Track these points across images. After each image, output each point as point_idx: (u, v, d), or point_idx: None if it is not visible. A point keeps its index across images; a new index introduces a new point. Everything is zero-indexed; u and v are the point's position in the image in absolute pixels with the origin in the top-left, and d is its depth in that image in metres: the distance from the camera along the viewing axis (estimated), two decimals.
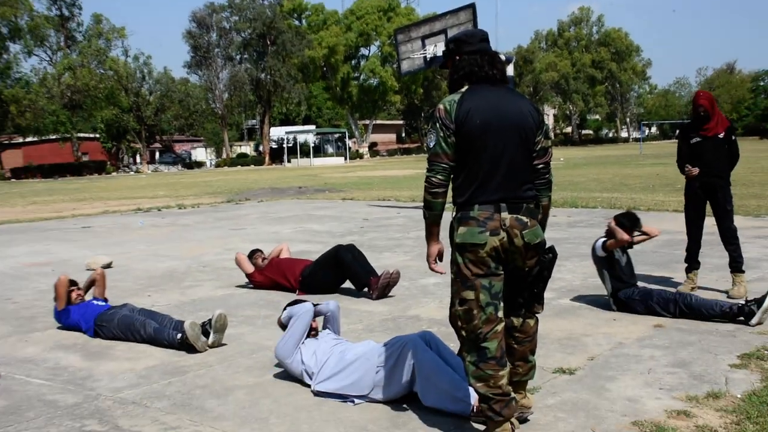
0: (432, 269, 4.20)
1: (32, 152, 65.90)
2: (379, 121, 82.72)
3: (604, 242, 7.00)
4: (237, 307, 7.73)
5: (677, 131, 8.76)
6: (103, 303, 7.16)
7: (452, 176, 3.95)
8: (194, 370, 5.69)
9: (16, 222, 18.66)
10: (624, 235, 6.85)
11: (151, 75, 70.59)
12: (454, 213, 4.00)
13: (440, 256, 4.18)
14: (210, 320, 6.27)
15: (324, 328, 5.55)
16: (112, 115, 67.77)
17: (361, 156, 73.47)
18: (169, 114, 70.65)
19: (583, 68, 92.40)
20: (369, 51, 77.34)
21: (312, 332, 5.38)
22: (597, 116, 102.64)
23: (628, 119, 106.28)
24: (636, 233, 7.20)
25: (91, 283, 7.51)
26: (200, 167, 70.01)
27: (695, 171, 7.64)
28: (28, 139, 66.77)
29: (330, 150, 71.11)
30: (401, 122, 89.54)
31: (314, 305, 5.44)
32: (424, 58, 16.68)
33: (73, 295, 7.16)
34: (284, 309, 5.48)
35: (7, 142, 64.75)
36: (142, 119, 68.96)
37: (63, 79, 62.91)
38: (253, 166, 65.41)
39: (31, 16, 62.81)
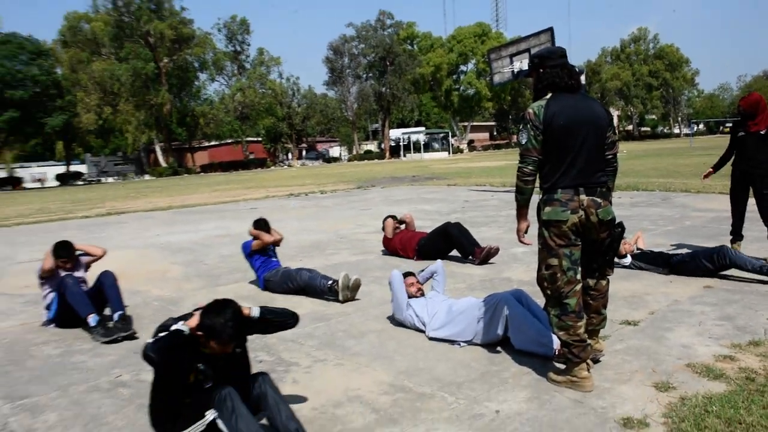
0: (521, 241, 4.16)
1: (215, 153, 68.13)
2: (475, 123, 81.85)
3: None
4: (367, 269, 7.76)
5: (730, 126, 8.55)
6: (275, 261, 7.22)
7: (540, 167, 3.87)
8: (335, 318, 5.74)
9: (205, 205, 19.28)
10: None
11: (299, 92, 71.90)
12: (541, 196, 3.94)
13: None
14: (350, 277, 6.31)
15: (432, 288, 5.50)
16: (271, 123, 69.45)
17: (461, 151, 72.87)
18: (312, 121, 71.82)
19: (641, 77, 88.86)
20: (467, 67, 76.48)
21: (418, 293, 5.32)
22: (653, 116, 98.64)
23: (679, 118, 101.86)
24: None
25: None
26: (336, 161, 70.83)
27: (707, 176, 7.97)
28: (212, 143, 69.09)
29: (436, 146, 70.66)
30: (493, 123, 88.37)
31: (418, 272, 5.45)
32: (512, 71, 16.44)
33: (267, 239, 7.10)
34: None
35: (197, 145, 67.13)
36: (292, 126, 70.30)
37: (236, 97, 64.65)
38: (376, 160, 65.72)
39: (214, 53, 64.76)
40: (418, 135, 69.69)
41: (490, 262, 7.86)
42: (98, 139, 67.21)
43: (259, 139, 71.92)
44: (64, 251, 5.74)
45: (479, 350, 4.65)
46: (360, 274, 6.95)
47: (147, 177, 56.86)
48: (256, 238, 7.01)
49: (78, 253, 5.97)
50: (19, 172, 65.01)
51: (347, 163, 63.03)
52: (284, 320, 3.46)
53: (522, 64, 16.06)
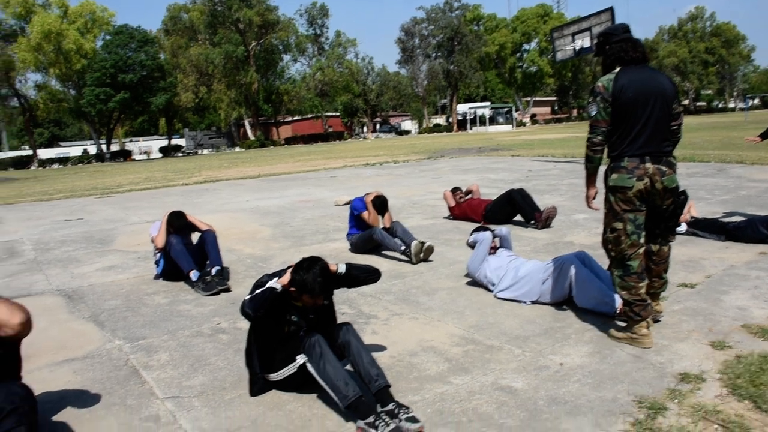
0: (589, 206, 4.05)
1: (297, 126, 68.82)
2: (537, 98, 79.78)
3: None
4: (438, 232, 7.73)
5: None
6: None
7: (608, 136, 3.73)
8: (410, 276, 5.74)
9: (289, 174, 19.51)
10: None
11: (374, 70, 71.61)
12: (609, 163, 3.79)
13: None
14: (424, 243, 6.27)
15: (500, 246, 5.43)
16: (348, 99, 69.59)
17: (524, 124, 71.34)
18: (385, 97, 71.53)
19: (698, 54, 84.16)
20: (530, 46, 74.38)
21: (492, 251, 5.27)
22: (709, 91, 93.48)
23: (735, 93, 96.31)
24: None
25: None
26: (407, 134, 70.52)
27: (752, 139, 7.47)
28: (295, 118, 69.81)
29: (500, 120, 69.15)
30: (554, 98, 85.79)
31: (492, 231, 5.32)
32: (574, 49, 15.83)
33: (372, 220, 6.77)
34: (471, 234, 5.40)
35: (282, 120, 67.96)
36: (367, 101, 70.24)
37: (316, 76, 64.96)
38: (444, 132, 64.99)
39: (297, 36, 65.01)
40: (484, 109, 68.47)
41: (551, 226, 7.70)
42: (195, 115, 68.89)
43: (337, 113, 72.25)
44: (177, 220, 5.87)
45: (544, 308, 4.58)
46: (431, 236, 6.94)
47: (237, 149, 57.95)
48: (369, 212, 6.71)
49: (188, 223, 6.02)
50: (129, 146, 67.38)
51: (417, 136, 62.64)
52: (368, 276, 3.47)
53: (583, 42, 15.48)
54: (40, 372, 3.82)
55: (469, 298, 4.94)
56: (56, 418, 3.22)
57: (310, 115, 69.75)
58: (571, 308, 4.49)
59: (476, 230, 5.39)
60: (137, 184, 19.58)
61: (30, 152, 56.04)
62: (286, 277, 3.18)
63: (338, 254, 6.80)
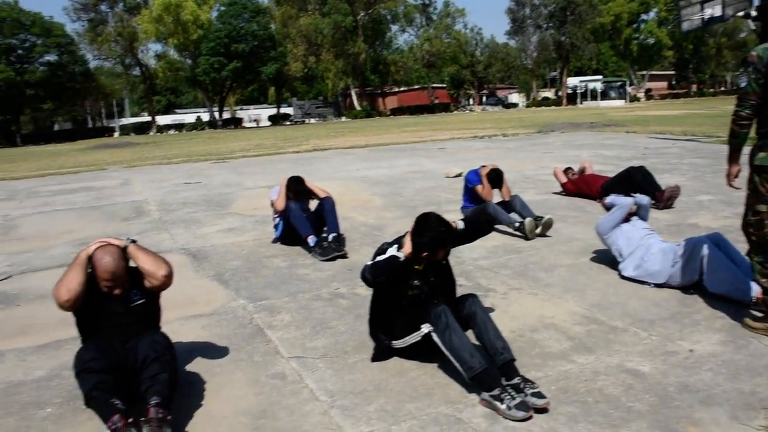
0: (730, 185, 3.79)
1: (403, 97, 68.76)
2: (653, 72, 75.62)
3: None
4: (553, 208, 7.53)
5: None
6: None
7: (757, 111, 3.46)
8: (526, 251, 5.65)
9: (397, 144, 19.59)
10: None
11: (482, 41, 70.39)
12: (757, 141, 3.52)
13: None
14: (541, 217, 6.15)
15: (636, 215, 5.11)
16: (454, 70, 68.90)
17: (637, 99, 67.85)
18: (493, 69, 70.24)
19: None
20: (648, 16, 70.45)
21: (628, 217, 4.96)
22: None
23: None
24: None
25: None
26: (515, 107, 68.98)
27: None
28: (401, 89, 69.84)
29: (612, 94, 66.08)
30: (672, 72, 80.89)
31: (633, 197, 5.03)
32: (702, 19, 14.73)
33: (486, 194, 6.68)
34: (608, 195, 5.17)
35: (388, 91, 68.21)
36: (475, 73, 69.25)
37: (423, 47, 64.60)
38: (553, 106, 62.99)
39: (405, 6, 64.78)
40: (595, 83, 65.73)
41: (673, 206, 7.33)
42: (303, 85, 70.41)
43: (444, 85, 71.63)
44: (296, 185, 6.04)
45: (670, 291, 4.39)
46: (546, 211, 6.77)
47: (344, 119, 58.82)
48: (483, 185, 6.60)
49: (307, 189, 6.17)
50: (239, 114, 69.93)
51: (525, 109, 61.17)
52: (484, 228, 3.45)
53: (714, 10, 14.42)
54: (171, 325, 4.05)
55: (590, 276, 4.81)
56: (189, 368, 3.43)
57: (416, 86, 69.54)
58: (699, 293, 4.27)
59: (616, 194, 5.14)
60: (248, 151, 20.31)
61: (149, 119, 59.42)
62: (408, 245, 3.21)
63: None
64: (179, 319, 4.14)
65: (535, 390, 2.83)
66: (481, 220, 3.49)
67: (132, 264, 3.17)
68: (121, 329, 3.10)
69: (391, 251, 3.26)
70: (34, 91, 50.50)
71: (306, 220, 5.84)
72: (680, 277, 4.38)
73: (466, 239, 3.60)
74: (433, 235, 3.16)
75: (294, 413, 2.86)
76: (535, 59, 68.42)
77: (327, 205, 5.99)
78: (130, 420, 2.61)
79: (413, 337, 3.14)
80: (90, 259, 3.08)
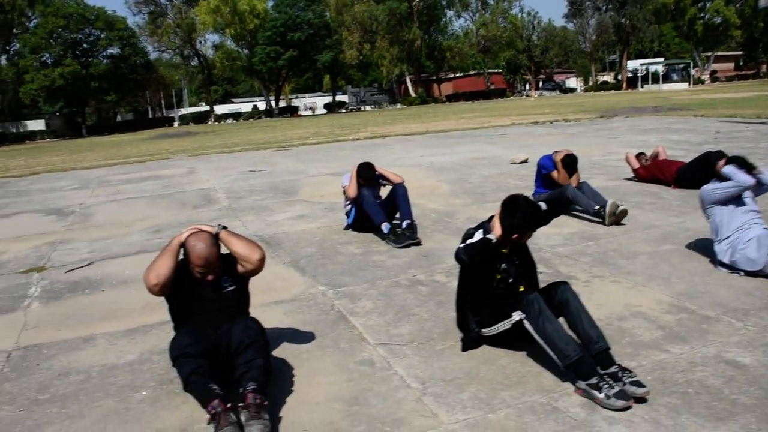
0: None
1: (458, 83, 68.04)
2: (719, 53, 72.61)
3: None
4: (626, 194, 7.33)
5: None
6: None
7: None
8: (605, 238, 5.52)
9: (456, 130, 19.39)
10: None
11: (539, 25, 68.97)
12: None
13: None
14: (618, 204, 5.99)
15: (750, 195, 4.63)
16: (511, 55, 67.83)
17: (702, 82, 65.35)
18: (551, 53, 68.84)
19: None
20: None
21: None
22: None
23: None
24: None
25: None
26: (573, 92, 67.49)
27: None
28: (457, 75, 69.20)
29: (675, 77, 63.78)
30: (740, 53, 77.47)
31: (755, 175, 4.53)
32: None
33: (562, 179, 6.67)
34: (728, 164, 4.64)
35: (443, 77, 67.72)
36: (531, 58, 68.01)
37: (479, 32, 63.79)
38: (612, 90, 61.34)
39: None
40: (657, 66, 63.67)
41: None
42: (359, 72, 70.52)
43: (499, 70, 70.62)
44: (366, 171, 6.03)
45: (759, 280, 4.23)
46: (619, 198, 6.59)
47: (399, 106, 58.68)
48: (558, 170, 6.47)
49: (376, 174, 6.14)
50: (294, 102, 70.62)
51: (584, 94, 59.75)
52: (563, 211, 3.36)
53: None
54: (254, 311, 4.08)
55: (673, 264, 4.67)
56: (276, 354, 3.47)
57: (471, 72, 68.78)
58: None
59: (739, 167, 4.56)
60: (307, 139, 20.50)
61: (207, 108, 60.63)
62: (498, 228, 3.17)
63: None
64: (261, 305, 4.18)
65: (634, 379, 2.77)
66: (561, 203, 3.38)
67: (223, 251, 3.23)
68: (213, 315, 3.17)
69: (478, 235, 3.23)
70: (98, 83, 52.09)
71: (379, 207, 5.84)
72: None
73: (546, 221, 3.53)
74: (523, 216, 3.11)
75: (387, 400, 2.86)
76: (594, 42, 66.66)
77: (400, 191, 5.96)
78: (229, 405, 2.65)
79: (503, 325, 3.11)
80: (182, 246, 3.15)
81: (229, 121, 55.21)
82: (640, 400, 2.73)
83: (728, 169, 4.54)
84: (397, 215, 5.87)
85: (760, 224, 4.47)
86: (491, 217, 3.29)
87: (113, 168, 15.40)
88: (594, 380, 2.75)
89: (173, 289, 3.17)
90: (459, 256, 3.20)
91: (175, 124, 55.40)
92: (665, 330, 3.51)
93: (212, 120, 55.66)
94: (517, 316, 3.01)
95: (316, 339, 3.63)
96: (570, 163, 6.43)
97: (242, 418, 2.60)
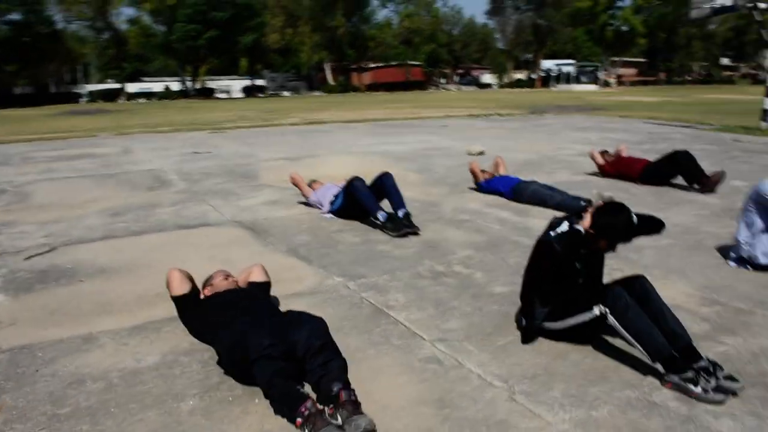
0: None
1: (377, 74, 67.66)
2: (625, 59, 76.27)
3: None
4: (598, 189, 7.40)
5: None
6: (515, 177, 7.12)
7: None
8: None
9: (393, 120, 19.21)
10: None
11: (462, 21, 70.06)
12: None
13: None
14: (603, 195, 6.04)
15: None
16: (432, 48, 68.40)
17: (609, 85, 68.45)
18: (471, 49, 70.06)
19: None
20: (624, 2, 71.11)
21: None
22: None
23: None
24: None
25: (496, 165, 7.50)
26: (489, 87, 68.94)
27: None
28: (377, 65, 69.01)
29: (584, 79, 66.54)
30: (643, 60, 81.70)
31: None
32: (713, 7, 14.58)
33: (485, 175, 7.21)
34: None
35: (363, 67, 67.44)
36: (452, 52, 68.95)
37: (403, 23, 64.00)
38: (526, 88, 63.19)
39: None
40: (569, 67, 66.11)
41: (715, 191, 7.32)
42: (280, 57, 69.09)
43: (419, 63, 71.12)
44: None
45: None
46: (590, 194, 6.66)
47: (317, 93, 58.00)
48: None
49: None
50: (209, 84, 68.38)
51: (499, 90, 61.20)
52: (653, 227, 3.25)
53: (725, 0, 14.26)
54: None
55: (681, 258, 4.74)
56: None
57: (393, 63, 68.85)
58: None
59: None
60: (235, 122, 19.76)
61: (118, 86, 57.65)
62: (587, 221, 3.04)
63: (506, 204, 6.66)
64: (280, 297, 3.88)
65: (727, 373, 2.73)
66: (657, 221, 3.24)
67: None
68: (244, 311, 3.05)
69: (564, 226, 3.08)
70: None
71: (373, 197, 5.62)
72: None
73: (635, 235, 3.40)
74: (617, 225, 3.01)
75: (477, 401, 2.66)
76: (512, 41, 68.41)
77: (388, 181, 5.75)
78: (320, 407, 2.40)
79: (577, 318, 2.99)
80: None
81: (142, 100, 52.67)
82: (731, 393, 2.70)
83: None
84: (390, 205, 5.66)
85: None
86: (579, 213, 3.17)
87: (33, 144, 14.25)
88: (690, 374, 2.69)
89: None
90: (552, 244, 3.04)
91: (82, 100, 52.33)
92: (710, 322, 3.51)
93: (124, 98, 52.98)
94: (597, 310, 2.89)
95: (362, 336, 3.37)
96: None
97: (339, 418, 2.36)
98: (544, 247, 3.11)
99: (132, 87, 61.49)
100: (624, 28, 70.16)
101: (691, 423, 2.51)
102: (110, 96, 53.05)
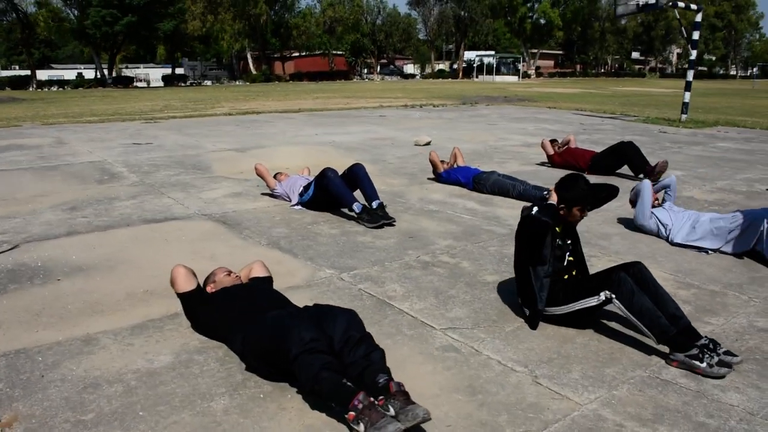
0: None
1: (301, 63, 67.26)
2: (543, 51, 78.73)
3: None
4: (549, 179, 7.63)
5: None
6: (475, 168, 7.29)
7: None
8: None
9: (329, 110, 19.10)
10: None
11: (385, 10, 70.15)
12: None
13: None
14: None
15: (665, 200, 5.48)
16: (355, 38, 68.30)
17: (528, 76, 70.50)
18: (394, 39, 70.35)
19: (707, 17, 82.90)
20: None
21: (656, 202, 5.37)
22: (712, 56, 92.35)
23: (737, 60, 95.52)
24: None
25: (454, 156, 7.66)
26: (413, 78, 69.59)
27: None
28: (300, 54, 68.31)
29: (504, 70, 68.28)
30: (560, 52, 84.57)
31: (651, 182, 5.47)
32: (637, 4, 15.16)
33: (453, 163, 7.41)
34: (631, 190, 5.48)
35: (287, 56, 66.62)
36: (375, 42, 69.03)
37: (326, 12, 63.50)
38: (449, 79, 64.18)
39: None
40: (490, 58, 67.61)
41: (659, 180, 7.74)
42: (201, 45, 67.27)
43: (342, 52, 70.93)
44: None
45: (727, 258, 4.69)
46: (545, 183, 6.92)
47: (239, 82, 56.88)
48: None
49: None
50: (126, 73, 65.85)
51: (423, 80, 61.85)
52: (609, 194, 3.51)
53: None
54: None
55: (647, 244, 5.03)
56: None
57: (317, 52, 68.36)
58: (754, 259, 4.64)
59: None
60: (161, 111, 19.21)
61: (27, 72, 54.57)
62: (554, 197, 3.42)
63: (469, 194, 6.82)
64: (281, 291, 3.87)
65: (725, 349, 2.96)
66: (611, 188, 3.53)
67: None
68: (253, 304, 3.08)
69: (535, 209, 3.46)
70: None
71: (347, 188, 5.65)
72: (735, 245, 4.72)
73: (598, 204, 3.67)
74: (579, 193, 3.30)
75: (505, 386, 2.77)
76: (434, 31, 69.21)
77: (360, 172, 5.80)
78: (371, 399, 2.43)
79: (582, 303, 3.16)
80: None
81: (54, 88, 50.11)
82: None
83: (633, 192, 5.50)
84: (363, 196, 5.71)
85: (687, 211, 5.22)
86: (542, 200, 3.39)
87: None
88: (694, 351, 2.91)
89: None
90: (539, 217, 3.28)
91: None
92: (692, 304, 3.76)
93: (34, 86, 50.21)
94: (603, 295, 3.07)
95: (373, 327, 3.38)
96: None
97: (391, 409, 2.40)
98: (530, 221, 3.36)
99: (41, 74, 58.46)
100: (542, 21, 72.27)
101: (704, 397, 2.71)
102: (19, 83, 50.18)
